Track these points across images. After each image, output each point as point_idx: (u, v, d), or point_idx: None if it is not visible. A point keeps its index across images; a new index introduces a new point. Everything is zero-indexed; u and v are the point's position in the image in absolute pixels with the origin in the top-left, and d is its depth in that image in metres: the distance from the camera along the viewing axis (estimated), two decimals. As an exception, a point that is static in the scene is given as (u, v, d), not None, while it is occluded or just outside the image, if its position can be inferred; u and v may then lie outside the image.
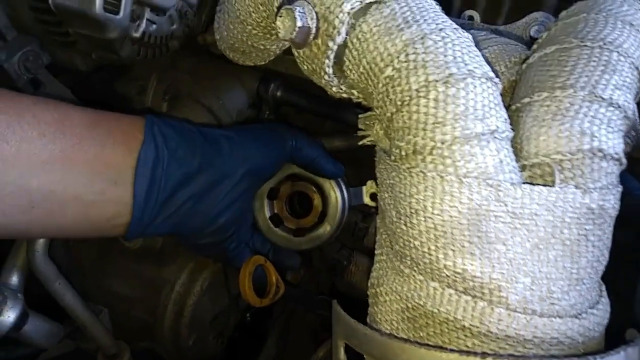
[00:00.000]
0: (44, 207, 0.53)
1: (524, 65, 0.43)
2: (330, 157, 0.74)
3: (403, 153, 0.36)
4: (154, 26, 0.68)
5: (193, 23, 0.77)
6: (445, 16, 0.38)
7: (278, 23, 0.38)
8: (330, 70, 0.40)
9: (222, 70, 0.85)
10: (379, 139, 0.43)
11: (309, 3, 0.37)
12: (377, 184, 0.46)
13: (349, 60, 0.39)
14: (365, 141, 0.46)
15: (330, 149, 0.89)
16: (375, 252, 0.45)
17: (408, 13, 0.37)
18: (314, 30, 0.37)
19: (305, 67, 0.42)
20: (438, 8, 0.39)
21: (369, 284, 0.44)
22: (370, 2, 0.37)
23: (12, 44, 0.64)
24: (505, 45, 0.47)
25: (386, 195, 0.40)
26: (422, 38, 0.36)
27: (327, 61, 0.39)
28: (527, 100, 0.39)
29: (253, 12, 0.50)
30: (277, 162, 0.70)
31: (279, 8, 0.40)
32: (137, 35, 0.65)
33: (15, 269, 0.64)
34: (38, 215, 0.53)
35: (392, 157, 0.38)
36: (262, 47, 0.56)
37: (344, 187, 0.74)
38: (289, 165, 0.73)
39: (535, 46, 0.44)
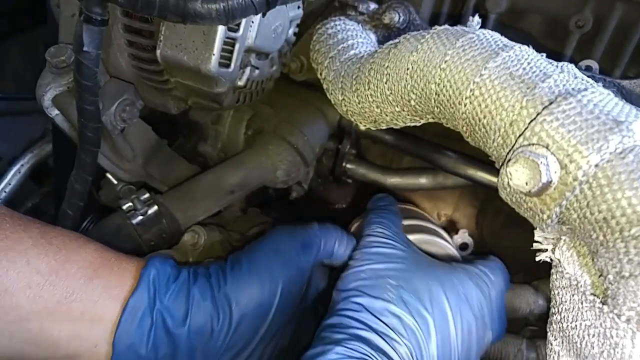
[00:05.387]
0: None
1: None
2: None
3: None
4: (257, 71, 0.62)
5: (289, 60, 0.71)
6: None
7: (511, 170, 0.33)
8: (556, 217, 0.35)
9: (304, 101, 0.79)
10: (573, 269, 0.39)
11: (546, 148, 0.32)
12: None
13: (570, 201, 0.35)
14: (543, 257, 0.42)
15: (414, 186, 0.85)
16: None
17: (655, 162, 0.33)
18: (555, 184, 0.33)
19: (513, 200, 0.37)
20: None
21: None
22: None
23: (106, 91, 0.58)
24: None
25: (594, 340, 0.37)
26: (678, 199, 0.32)
27: (557, 209, 0.34)
28: None
29: (415, 99, 0.45)
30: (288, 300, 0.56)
31: (510, 151, 0.35)
32: (241, 83, 0.60)
33: None
34: None
35: (622, 317, 0.35)
36: (401, 123, 0.51)
37: None
38: None
39: None
